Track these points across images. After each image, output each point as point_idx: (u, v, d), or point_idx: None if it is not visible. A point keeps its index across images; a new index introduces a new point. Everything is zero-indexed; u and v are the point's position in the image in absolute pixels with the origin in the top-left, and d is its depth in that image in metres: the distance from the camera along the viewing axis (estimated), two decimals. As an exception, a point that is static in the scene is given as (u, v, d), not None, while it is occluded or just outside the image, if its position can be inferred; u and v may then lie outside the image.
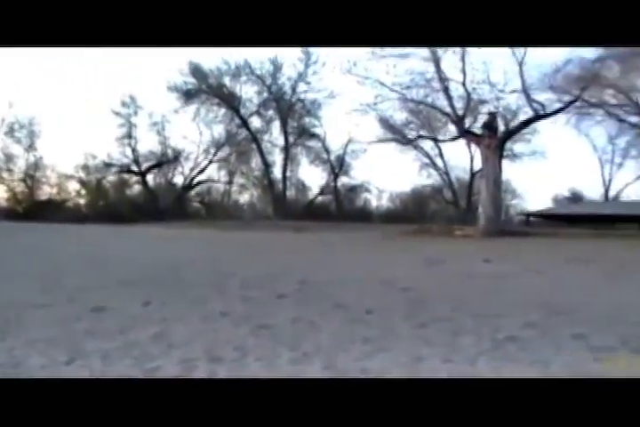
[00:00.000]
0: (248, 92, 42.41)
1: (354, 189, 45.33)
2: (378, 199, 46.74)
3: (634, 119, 26.40)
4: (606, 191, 41.68)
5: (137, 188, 46.03)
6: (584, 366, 4.25)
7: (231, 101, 41.43)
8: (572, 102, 20.94)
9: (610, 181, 41.42)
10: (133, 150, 43.33)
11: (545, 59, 26.19)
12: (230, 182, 46.34)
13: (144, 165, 43.79)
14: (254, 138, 42.32)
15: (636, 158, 34.45)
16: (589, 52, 20.33)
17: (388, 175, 71.91)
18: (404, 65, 19.29)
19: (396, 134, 32.33)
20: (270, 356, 4.51)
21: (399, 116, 30.81)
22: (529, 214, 37.53)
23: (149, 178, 45.01)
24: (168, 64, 45.65)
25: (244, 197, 48.07)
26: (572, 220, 34.16)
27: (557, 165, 67.99)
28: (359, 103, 22.14)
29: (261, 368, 4.17)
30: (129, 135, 42.92)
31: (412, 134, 33.15)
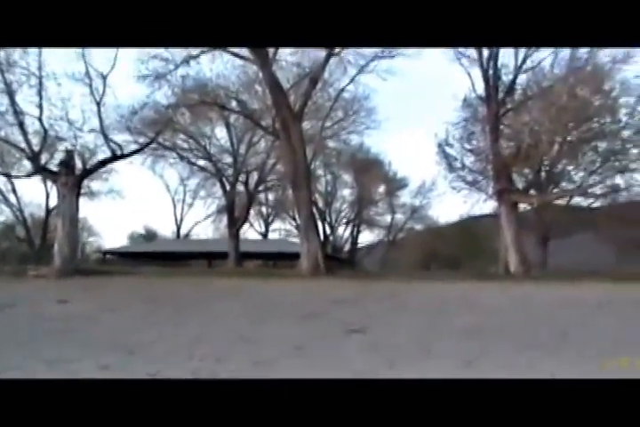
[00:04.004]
0: None
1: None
2: None
3: (202, 163, 28.95)
4: (178, 229, 44.54)
5: None
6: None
7: None
8: (147, 144, 21.93)
9: (182, 219, 44.46)
10: None
11: (123, 100, 26.88)
12: None
13: None
14: None
15: (204, 199, 37.66)
16: (163, 99, 21.67)
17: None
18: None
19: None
20: None
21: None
22: (105, 252, 37.51)
23: None
24: None
25: None
26: (148, 257, 35.38)
27: (134, 204, 70.30)
28: None
29: None
30: None
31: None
